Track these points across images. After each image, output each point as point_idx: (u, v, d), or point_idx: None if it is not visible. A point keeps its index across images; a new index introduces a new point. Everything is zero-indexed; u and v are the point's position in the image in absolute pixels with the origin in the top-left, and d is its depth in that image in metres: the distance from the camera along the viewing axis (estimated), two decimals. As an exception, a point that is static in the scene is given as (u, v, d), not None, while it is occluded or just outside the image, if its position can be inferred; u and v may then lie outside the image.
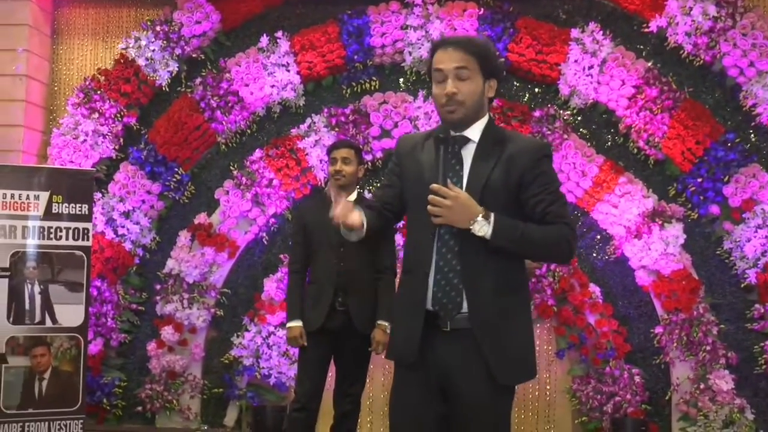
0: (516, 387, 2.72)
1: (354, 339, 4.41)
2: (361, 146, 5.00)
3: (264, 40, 5.97)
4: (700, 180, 5.52)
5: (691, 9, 5.52)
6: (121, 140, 6.09)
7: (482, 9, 5.84)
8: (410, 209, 2.71)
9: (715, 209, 5.51)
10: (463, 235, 2.56)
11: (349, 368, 4.48)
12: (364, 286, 4.43)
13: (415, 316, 2.61)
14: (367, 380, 5.78)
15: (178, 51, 6.06)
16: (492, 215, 2.52)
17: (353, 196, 4.47)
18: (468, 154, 2.66)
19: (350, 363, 4.47)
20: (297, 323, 4.40)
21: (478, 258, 2.58)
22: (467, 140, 2.67)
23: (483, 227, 2.52)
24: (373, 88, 5.97)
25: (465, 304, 2.57)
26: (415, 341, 2.59)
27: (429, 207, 2.51)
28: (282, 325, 5.69)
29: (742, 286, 5.47)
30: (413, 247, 2.70)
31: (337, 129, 5.82)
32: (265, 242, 5.97)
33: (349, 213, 2.68)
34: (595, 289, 5.60)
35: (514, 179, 2.61)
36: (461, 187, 2.60)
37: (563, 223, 2.63)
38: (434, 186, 2.51)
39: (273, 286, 5.74)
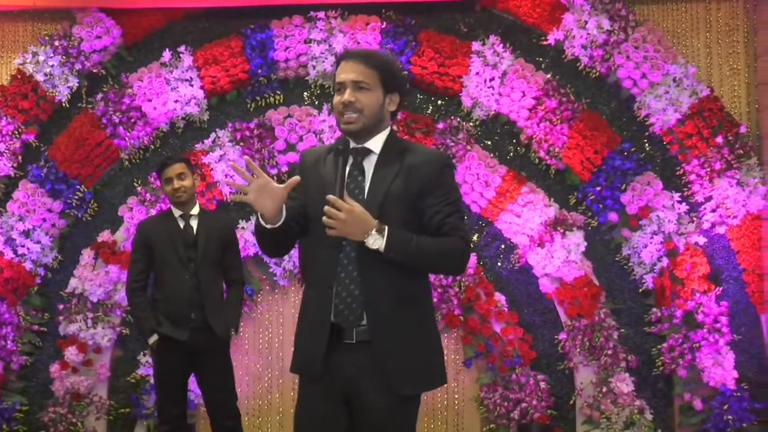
0: (422, 396, 2.77)
1: (214, 352, 4.46)
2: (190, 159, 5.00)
3: (167, 54, 5.90)
4: (599, 188, 5.67)
5: (586, 23, 5.67)
6: (20, 158, 5.92)
7: (385, 23, 5.89)
8: (313, 223, 2.68)
9: (613, 217, 5.66)
10: (363, 248, 2.58)
11: (215, 381, 4.52)
12: (217, 299, 4.49)
13: (320, 330, 2.63)
14: (277, 394, 5.81)
15: (78, 66, 5.94)
16: (386, 228, 2.55)
17: (196, 209, 4.55)
18: (370, 165, 2.70)
19: (215, 375, 4.53)
20: (155, 337, 4.45)
21: (377, 270, 2.61)
22: (369, 152, 2.71)
23: (377, 240, 2.55)
24: (277, 102, 5.95)
25: (366, 315, 2.61)
26: (320, 354, 2.62)
27: (324, 219, 2.52)
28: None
29: (640, 291, 5.63)
30: (315, 261, 2.71)
31: (241, 143, 5.79)
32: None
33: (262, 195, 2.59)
34: (500, 297, 5.69)
35: (414, 189, 2.65)
36: (362, 198, 2.63)
37: (458, 236, 2.67)
38: (330, 197, 2.53)
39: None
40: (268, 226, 2.62)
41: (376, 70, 2.68)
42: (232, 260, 4.68)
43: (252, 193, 2.57)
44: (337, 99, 2.68)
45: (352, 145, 2.71)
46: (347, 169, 2.67)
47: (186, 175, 4.55)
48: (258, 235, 2.71)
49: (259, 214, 2.62)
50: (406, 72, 5.72)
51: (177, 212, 4.61)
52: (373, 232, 2.55)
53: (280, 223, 2.61)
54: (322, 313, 2.64)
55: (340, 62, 2.72)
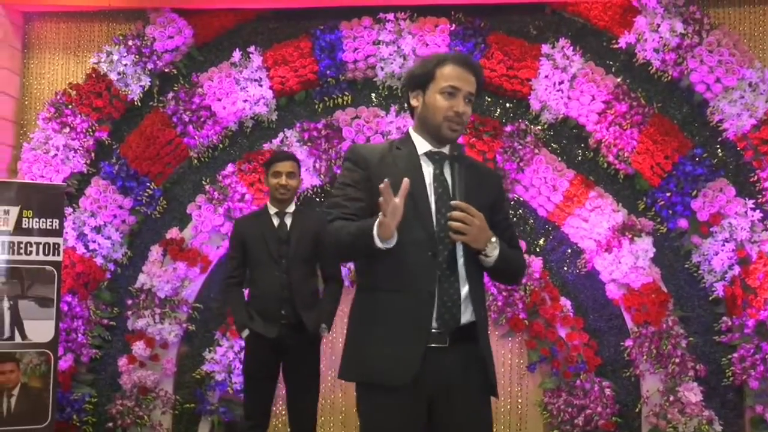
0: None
1: (303, 351, 4.47)
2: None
3: (236, 54, 5.98)
4: (668, 194, 5.58)
5: (659, 26, 5.59)
6: (93, 155, 6.06)
7: (454, 25, 5.88)
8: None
9: (683, 223, 5.57)
10: (471, 254, 2.63)
11: (302, 380, 4.54)
12: (308, 295, 4.50)
13: (417, 337, 2.57)
14: (340, 394, 5.83)
15: (150, 65, 6.05)
16: (496, 237, 2.63)
17: (291, 207, 4.58)
18: (448, 172, 2.70)
19: (300, 373, 4.52)
20: (247, 331, 4.49)
21: (477, 277, 2.68)
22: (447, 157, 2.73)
23: (495, 249, 2.61)
24: (345, 102, 5.99)
25: (462, 319, 2.61)
26: (416, 362, 2.54)
27: (452, 224, 2.50)
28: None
29: (710, 299, 5.53)
30: (404, 265, 2.59)
31: (309, 144, 5.83)
32: (237, 257, 5.95)
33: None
34: (566, 302, 5.63)
35: (488, 201, 2.70)
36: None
37: (521, 250, 2.89)
38: (461, 204, 2.53)
39: (245, 301, 5.74)
40: (384, 246, 2.50)
41: (478, 86, 2.72)
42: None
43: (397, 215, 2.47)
44: (446, 104, 2.64)
45: (430, 149, 2.72)
46: (453, 175, 2.66)
47: (295, 175, 4.57)
48: (359, 252, 2.60)
49: (376, 235, 2.47)
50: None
51: (273, 209, 4.63)
52: (494, 239, 2.60)
53: (394, 242, 2.51)
54: (420, 319, 2.56)
55: (452, 63, 2.67)
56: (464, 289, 2.62)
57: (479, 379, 2.65)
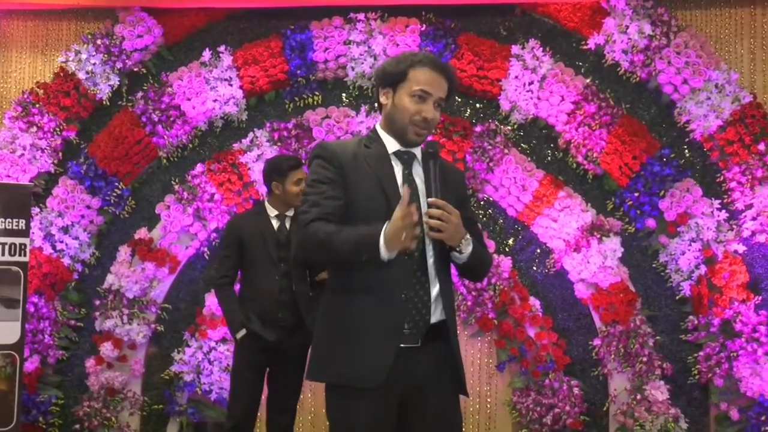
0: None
1: (296, 354, 4.42)
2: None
3: (206, 54, 5.95)
4: (636, 194, 5.62)
5: (627, 27, 5.63)
6: (60, 154, 6.01)
7: (424, 25, 5.89)
8: (364, 224, 2.56)
9: (651, 223, 5.61)
10: (442, 253, 2.63)
11: (289, 380, 4.49)
12: (306, 297, 4.46)
13: (389, 339, 2.55)
14: (309, 394, 5.82)
15: (119, 65, 6.01)
16: (469, 234, 2.63)
17: (291, 211, 4.51)
18: (417, 170, 2.70)
19: (290, 375, 4.47)
20: (244, 332, 4.39)
21: (445, 275, 2.67)
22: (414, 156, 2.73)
23: (468, 245, 2.62)
24: (315, 102, 5.98)
25: (432, 318, 2.61)
26: (387, 365, 2.52)
27: (431, 221, 2.50)
28: (223, 340, 5.66)
29: (677, 298, 5.57)
30: (373, 266, 2.51)
31: (279, 144, 5.81)
32: (207, 257, 5.92)
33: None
34: (535, 302, 5.66)
35: (455, 198, 2.67)
36: (422, 198, 2.63)
37: (485, 244, 2.87)
38: (439, 201, 2.51)
39: (214, 302, 5.69)
40: (388, 257, 2.44)
41: (450, 91, 2.69)
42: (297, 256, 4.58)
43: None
44: (415, 107, 2.61)
45: (399, 148, 2.70)
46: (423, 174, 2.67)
47: (304, 181, 4.50)
48: (352, 261, 2.51)
49: (383, 246, 2.42)
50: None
51: (273, 211, 4.52)
52: (468, 236, 2.60)
53: (395, 253, 2.45)
54: (391, 320, 2.53)
55: (424, 65, 2.63)
56: (434, 289, 2.62)
57: (450, 378, 2.66)
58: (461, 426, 2.73)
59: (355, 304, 2.59)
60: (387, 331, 2.54)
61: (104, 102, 6.06)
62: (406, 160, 2.69)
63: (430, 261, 2.62)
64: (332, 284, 2.73)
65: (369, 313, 2.55)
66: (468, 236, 2.61)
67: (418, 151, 2.72)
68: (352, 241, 2.47)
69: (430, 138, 2.81)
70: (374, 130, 2.76)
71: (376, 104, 2.83)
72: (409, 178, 2.65)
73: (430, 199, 2.53)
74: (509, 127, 5.82)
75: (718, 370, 5.30)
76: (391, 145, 2.70)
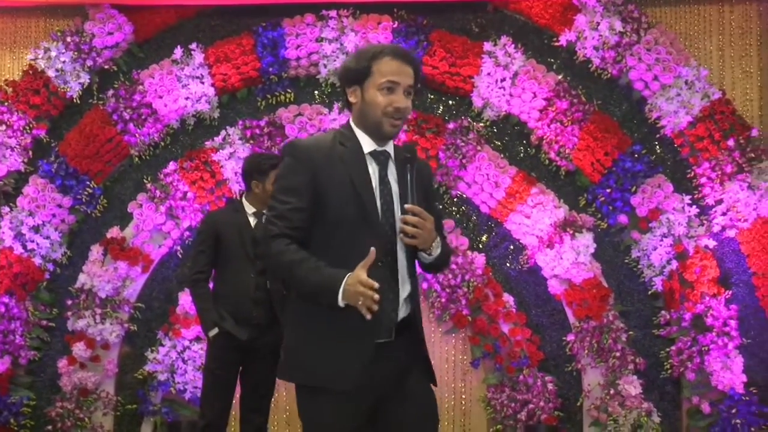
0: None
1: (268, 352, 4.39)
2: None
3: (178, 51, 5.91)
4: (609, 190, 5.66)
5: (598, 24, 5.66)
6: (30, 153, 5.94)
7: (396, 22, 5.88)
8: (339, 229, 2.56)
9: (623, 219, 5.64)
10: (413, 255, 2.66)
11: (262, 379, 4.46)
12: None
13: (364, 342, 2.53)
14: (284, 392, 5.81)
15: (89, 62, 5.95)
16: (439, 237, 2.67)
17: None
18: (392, 170, 2.68)
19: (263, 373, 4.44)
20: (216, 330, 4.36)
21: (412, 274, 2.69)
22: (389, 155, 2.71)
23: (438, 248, 2.65)
24: (288, 100, 5.96)
25: (400, 314, 2.62)
26: (362, 366, 2.51)
27: (407, 228, 2.50)
28: (197, 339, 5.63)
29: (649, 293, 5.62)
30: (348, 270, 2.48)
31: (251, 141, 5.79)
32: (180, 256, 5.88)
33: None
34: (508, 298, 5.68)
35: (423, 193, 2.69)
36: (413, 203, 2.59)
37: (445, 236, 2.88)
38: (416, 208, 2.51)
39: (188, 300, 5.66)
40: (342, 304, 2.46)
41: (417, 79, 2.67)
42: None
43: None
44: (385, 99, 2.58)
45: (375, 148, 2.66)
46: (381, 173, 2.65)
47: None
48: (311, 296, 2.53)
49: (341, 299, 2.44)
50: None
51: (251, 209, 4.49)
52: (438, 239, 2.63)
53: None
54: (365, 324, 2.46)
55: (388, 56, 2.60)
56: (405, 291, 2.63)
57: (420, 369, 2.68)
58: (437, 411, 2.74)
59: (326, 308, 2.53)
60: (358, 336, 2.53)
61: (75, 100, 6.00)
62: (382, 161, 2.66)
63: (401, 263, 2.62)
64: None
65: (340, 317, 2.51)
66: (438, 238, 2.63)
67: (391, 148, 2.70)
68: (313, 283, 2.48)
69: (403, 136, 2.78)
70: (348, 127, 2.70)
71: (345, 105, 2.79)
72: (384, 180, 2.63)
73: (407, 206, 2.52)
74: (482, 124, 5.83)
75: (689, 365, 5.35)
76: (367, 144, 2.66)
